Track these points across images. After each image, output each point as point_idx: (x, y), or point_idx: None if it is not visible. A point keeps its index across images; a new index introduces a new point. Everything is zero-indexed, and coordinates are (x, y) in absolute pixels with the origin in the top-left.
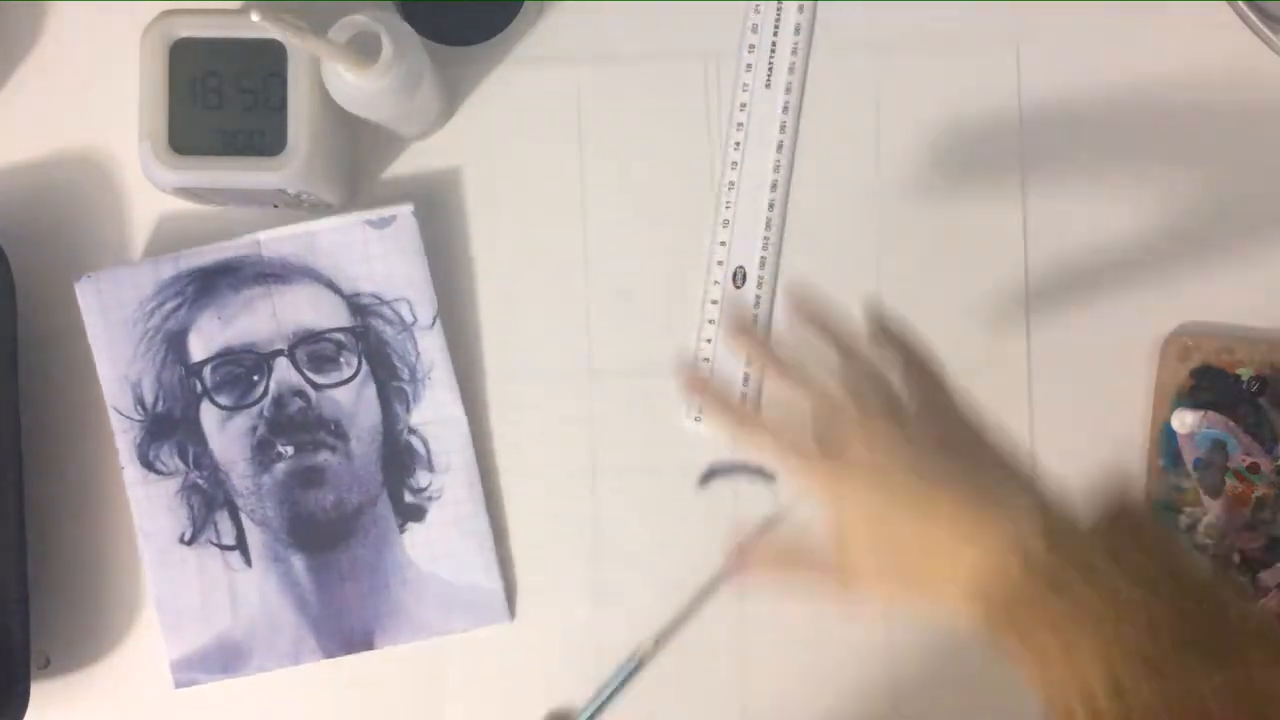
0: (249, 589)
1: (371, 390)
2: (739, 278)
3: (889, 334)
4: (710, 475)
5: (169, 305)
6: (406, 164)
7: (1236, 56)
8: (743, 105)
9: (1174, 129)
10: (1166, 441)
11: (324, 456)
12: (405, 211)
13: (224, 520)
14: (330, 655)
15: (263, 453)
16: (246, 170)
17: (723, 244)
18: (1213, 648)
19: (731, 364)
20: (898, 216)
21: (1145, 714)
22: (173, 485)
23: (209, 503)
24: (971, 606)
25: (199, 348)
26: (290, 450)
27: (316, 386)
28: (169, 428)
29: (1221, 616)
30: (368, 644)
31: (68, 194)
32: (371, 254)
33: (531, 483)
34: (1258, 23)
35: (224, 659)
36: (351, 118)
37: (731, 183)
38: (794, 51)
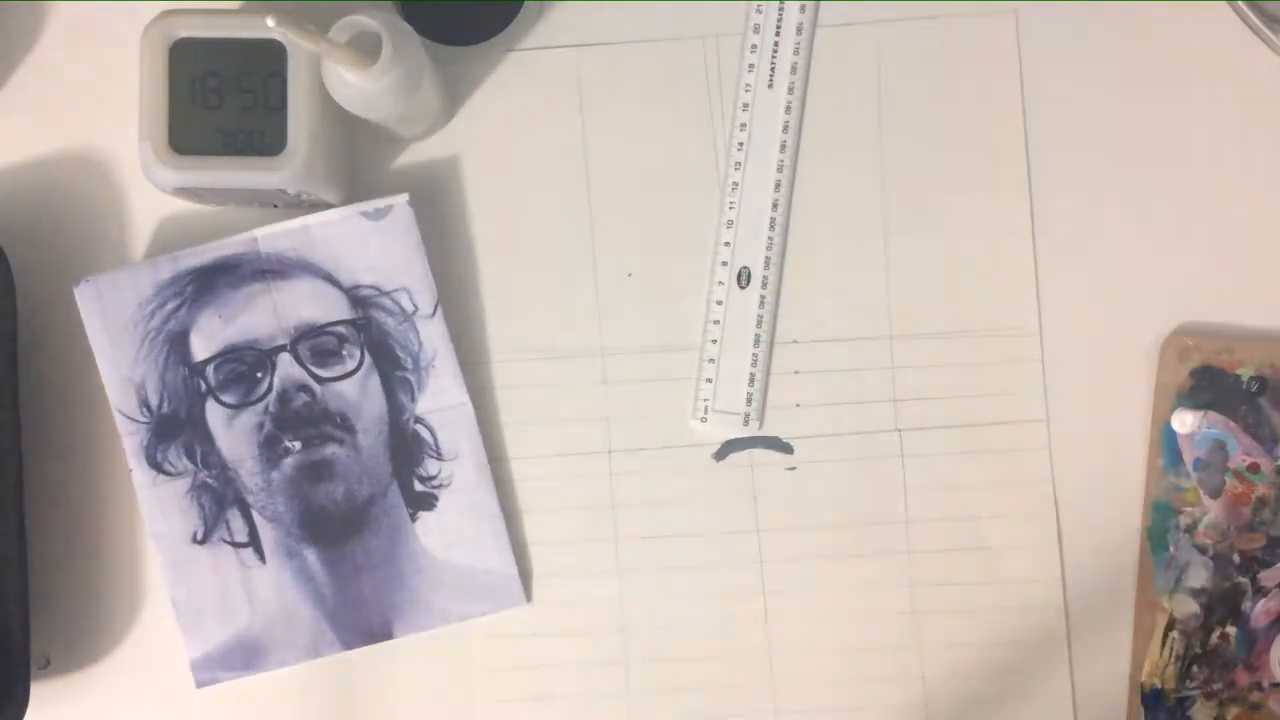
0: (264, 585)
1: (376, 381)
2: (744, 278)
3: None
4: (726, 449)
5: (169, 306)
6: (406, 163)
7: (1236, 56)
8: (745, 105)
9: (1174, 129)
10: (1166, 441)
11: (332, 450)
12: (401, 201)
13: (235, 518)
14: (349, 647)
15: (270, 449)
16: (246, 170)
17: (727, 244)
18: None
19: (738, 364)
20: (903, 215)
21: None
22: (182, 485)
23: (219, 501)
24: None
25: (201, 347)
26: (298, 445)
27: (320, 380)
28: (175, 428)
29: None
30: (387, 634)
31: (68, 194)
32: (369, 246)
33: (543, 465)
34: (1258, 23)
35: (244, 656)
36: (351, 118)
37: (735, 183)
38: (796, 51)
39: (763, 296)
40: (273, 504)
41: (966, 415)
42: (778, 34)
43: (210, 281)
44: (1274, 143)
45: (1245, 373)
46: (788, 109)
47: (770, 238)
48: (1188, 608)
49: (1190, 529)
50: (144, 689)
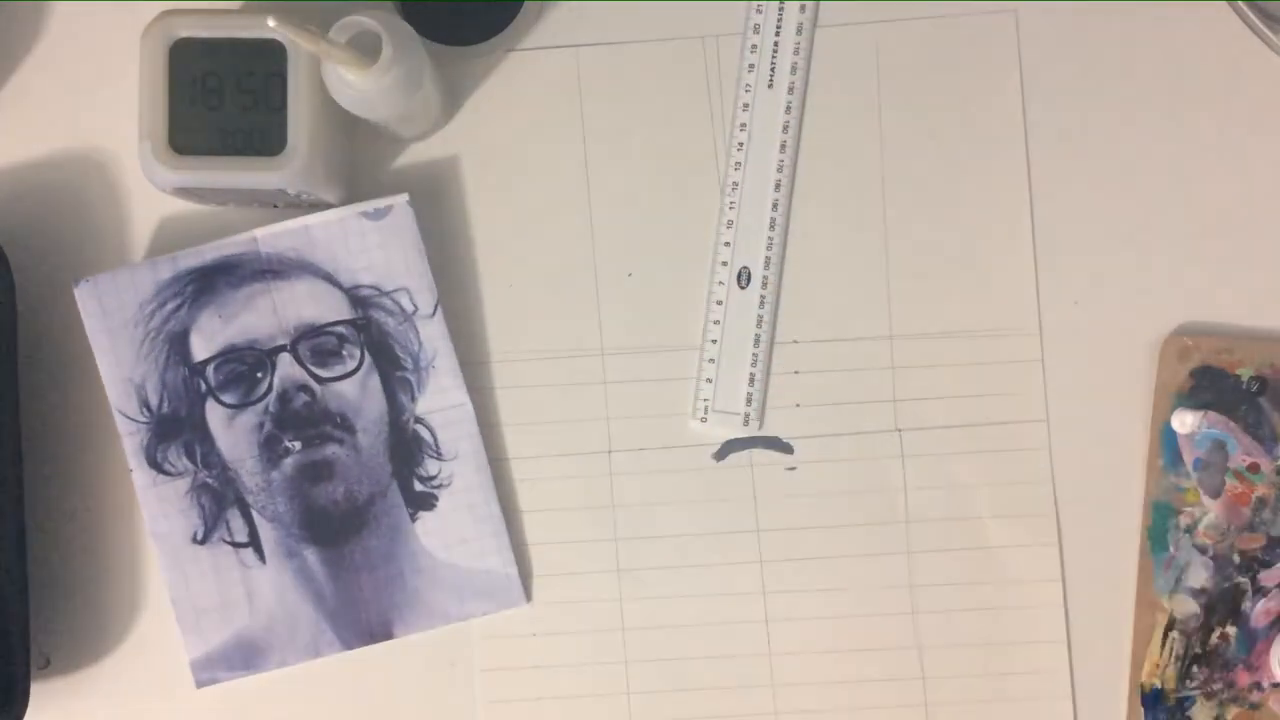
0: (264, 585)
1: (376, 381)
2: (744, 278)
3: None
4: (726, 449)
5: (169, 306)
6: (406, 163)
7: (1236, 56)
8: (745, 105)
9: (1174, 128)
10: (1166, 441)
11: (332, 450)
12: (401, 201)
13: (235, 518)
14: (349, 646)
15: (270, 449)
16: (246, 170)
17: (727, 244)
18: None
19: (738, 364)
20: (903, 215)
21: None
22: (182, 485)
23: (219, 501)
24: None
25: (201, 347)
26: (298, 445)
27: (320, 380)
28: (175, 428)
29: None
30: (387, 634)
31: (68, 194)
32: (369, 245)
33: (543, 465)
34: (1258, 23)
35: (244, 656)
36: (351, 118)
37: (735, 183)
38: (796, 51)
39: (763, 296)
40: (273, 504)
41: (966, 415)
42: (778, 34)
43: (210, 281)
44: (1274, 142)
45: (1245, 373)
46: (788, 109)
47: (770, 238)
48: (1188, 608)
49: (1190, 529)
50: (144, 689)
